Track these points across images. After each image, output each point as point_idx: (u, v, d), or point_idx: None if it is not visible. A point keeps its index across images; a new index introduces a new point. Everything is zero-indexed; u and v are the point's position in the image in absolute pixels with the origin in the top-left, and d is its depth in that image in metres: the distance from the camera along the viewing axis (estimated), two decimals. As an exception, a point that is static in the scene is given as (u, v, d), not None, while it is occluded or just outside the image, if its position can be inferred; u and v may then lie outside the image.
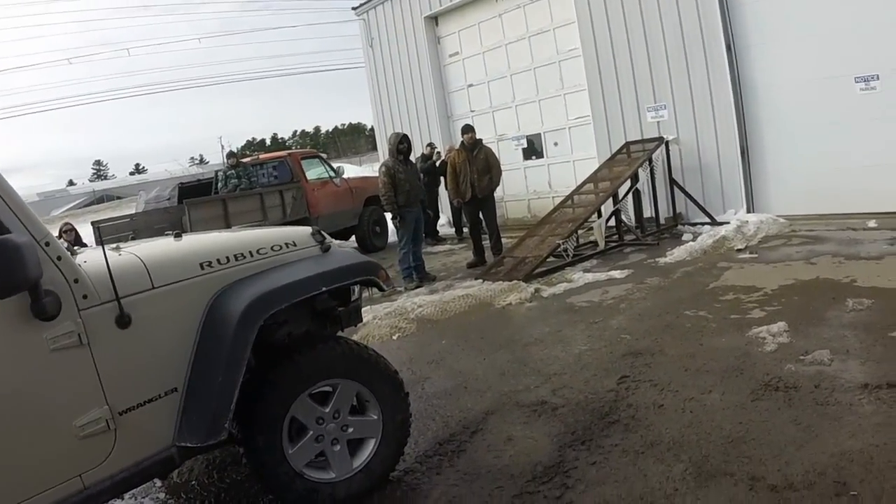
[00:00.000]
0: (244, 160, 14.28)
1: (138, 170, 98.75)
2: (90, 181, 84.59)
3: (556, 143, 13.38)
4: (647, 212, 10.60)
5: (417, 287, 9.13)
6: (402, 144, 9.46)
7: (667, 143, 10.71)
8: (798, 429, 3.57)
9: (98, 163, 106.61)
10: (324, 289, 3.53)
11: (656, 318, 6.12)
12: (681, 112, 10.76)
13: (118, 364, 2.84)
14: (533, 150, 13.82)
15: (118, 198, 54.81)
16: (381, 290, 3.98)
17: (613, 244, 9.95)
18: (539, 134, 13.62)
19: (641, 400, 4.28)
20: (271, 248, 3.55)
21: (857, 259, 7.13)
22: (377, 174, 10.21)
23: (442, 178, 12.38)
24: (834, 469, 3.11)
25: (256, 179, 13.47)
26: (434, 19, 14.97)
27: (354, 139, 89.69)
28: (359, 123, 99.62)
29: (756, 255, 8.06)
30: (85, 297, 2.74)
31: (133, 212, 14.29)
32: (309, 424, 3.41)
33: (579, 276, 8.31)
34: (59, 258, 2.70)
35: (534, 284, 8.17)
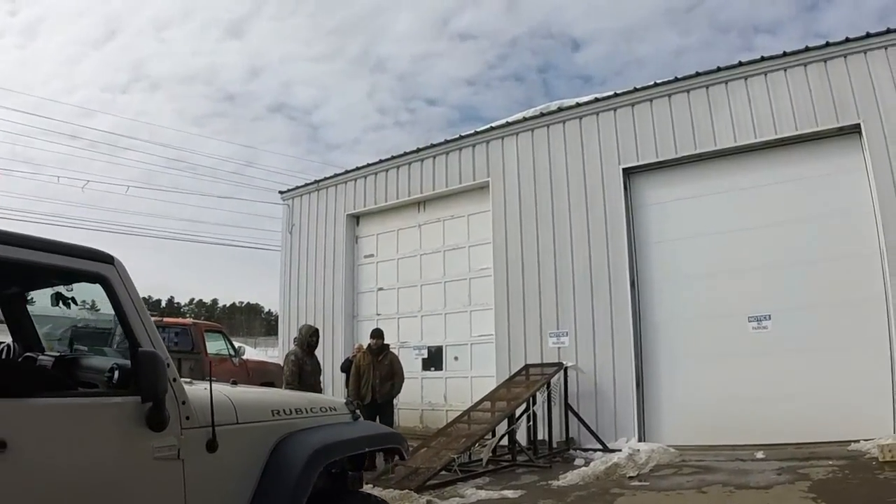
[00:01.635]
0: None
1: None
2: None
3: (456, 358, 13.46)
4: (541, 434, 10.60)
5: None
6: (312, 338, 9.44)
7: (565, 369, 10.94)
8: None
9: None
10: (367, 449, 4.27)
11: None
12: (581, 340, 11.13)
13: (201, 483, 3.21)
14: (433, 361, 13.83)
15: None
16: (402, 458, 4.70)
17: (506, 464, 9.80)
18: (441, 346, 13.71)
19: None
20: (320, 409, 4.16)
21: (747, 488, 7.22)
22: (275, 361, 10.00)
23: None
24: None
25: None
26: (356, 218, 15.42)
27: (250, 319, 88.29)
28: (256, 304, 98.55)
29: (648, 483, 8.04)
30: (188, 418, 3.19)
31: None
32: None
33: (472, 493, 8.08)
34: (174, 379, 3.16)
35: (426, 496, 7.89)
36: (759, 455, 8.87)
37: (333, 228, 15.47)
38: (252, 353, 21.01)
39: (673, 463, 9.07)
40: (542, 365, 11.23)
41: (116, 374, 3.06)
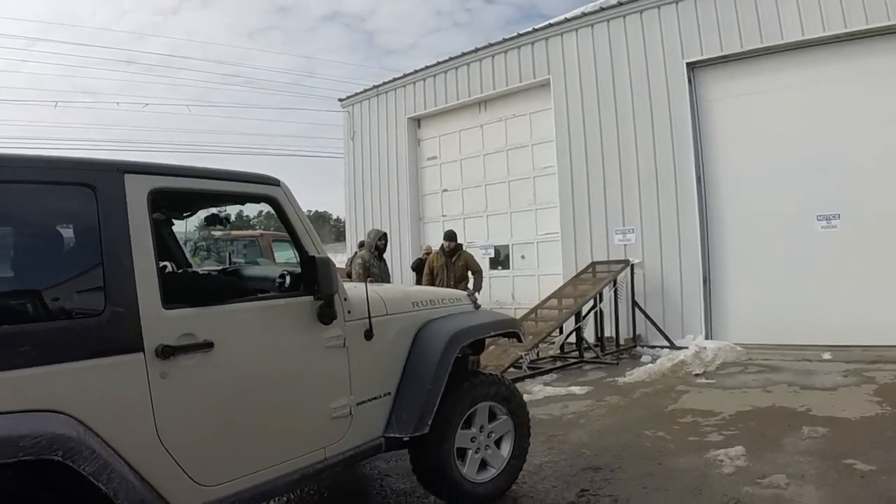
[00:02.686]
0: (215, 233, 14.20)
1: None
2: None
3: (523, 256, 13.59)
4: (608, 331, 10.75)
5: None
6: (380, 241, 9.60)
7: (632, 267, 10.98)
8: (755, 550, 3.60)
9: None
10: (492, 333, 5.10)
11: (616, 435, 6.14)
12: (647, 237, 11.10)
13: (361, 367, 3.85)
14: (499, 260, 13.98)
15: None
16: (519, 340, 5.55)
17: (573, 361, 10.01)
18: (507, 245, 13.83)
19: (601, 513, 4.27)
20: (449, 300, 4.77)
21: (812, 389, 7.30)
22: (345, 266, 10.17)
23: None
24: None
25: (226, 255, 13.37)
26: (417, 121, 15.38)
27: (319, 227, 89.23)
28: (325, 212, 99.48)
29: (713, 381, 8.17)
30: (349, 312, 3.79)
31: None
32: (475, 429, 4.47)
33: (539, 389, 8.29)
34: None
35: (494, 393, 8.12)
36: (826, 356, 8.90)
37: (395, 132, 15.46)
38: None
39: (739, 361, 9.16)
40: (608, 262, 11.28)
41: (287, 279, 3.65)
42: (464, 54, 13.98)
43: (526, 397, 7.76)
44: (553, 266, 12.61)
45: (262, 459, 3.31)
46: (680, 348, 9.83)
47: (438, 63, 14.52)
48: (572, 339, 10.37)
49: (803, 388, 7.36)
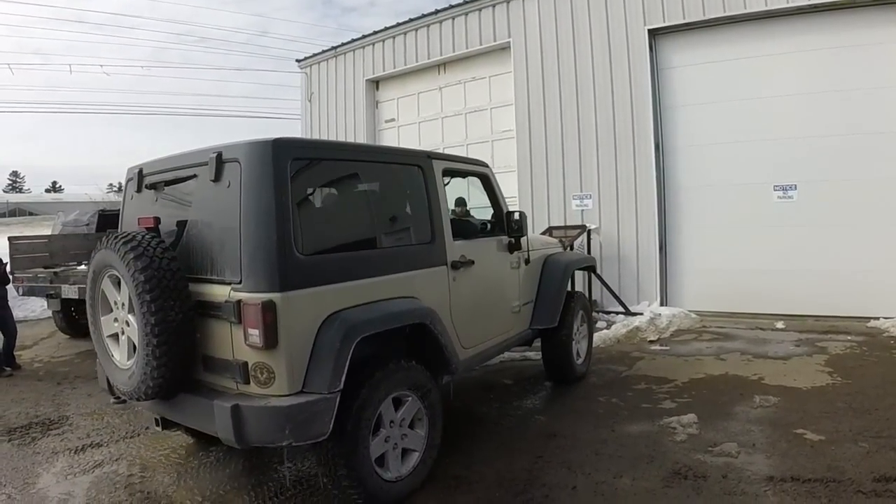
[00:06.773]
0: None
1: (55, 188, 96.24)
2: (4, 192, 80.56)
3: (481, 221, 13.51)
4: (564, 296, 10.77)
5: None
6: None
7: (589, 232, 11.00)
8: (706, 519, 3.64)
9: (15, 174, 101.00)
10: (583, 266, 7.81)
11: (570, 402, 6.18)
12: (605, 203, 11.11)
13: (523, 282, 6.16)
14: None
15: (31, 213, 53.29)
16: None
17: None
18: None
19: (555, 480, 4.30)
20: (554, 244, 7.34)
21: (764, 358, 7.41)
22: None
23: None
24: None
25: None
26: (375, 83, 15.14)
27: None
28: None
29: (668, 348, 8.26)
30: (521, 247, 6.00)
31: (49, 233, 13.42)
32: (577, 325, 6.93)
33: (495, 354, 8.29)
34: None
35: (449, 356, 8.10)
36: (779, 325, 9.04)
37: (353, 94, 15.23)
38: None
39: (693, 328, 9.27)
40: (565, 227, 11.25)
41: (488, 225, 6.06)
42: (424, 16, 13.74)
43: (482, 363, 7.85)
44: (511, 230, 12.52)
45: (486, 334, 5.47)
46: (635, 314, 9.92)
47: (398, 24, 14.25)
48: (529, 304, 10.34)
49: (756, 357, 7.46)
